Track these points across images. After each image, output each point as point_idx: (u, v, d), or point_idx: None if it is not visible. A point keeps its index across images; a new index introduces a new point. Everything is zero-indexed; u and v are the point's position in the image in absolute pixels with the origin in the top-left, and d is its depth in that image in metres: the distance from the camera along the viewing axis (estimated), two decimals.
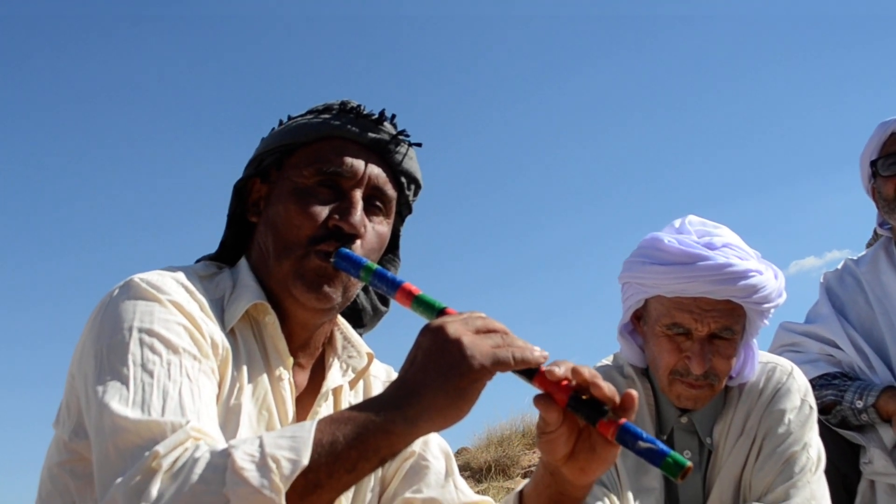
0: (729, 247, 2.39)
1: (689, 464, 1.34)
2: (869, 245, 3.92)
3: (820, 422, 2.70)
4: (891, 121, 3.36)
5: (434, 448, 1.92)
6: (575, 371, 1.42)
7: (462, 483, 1.92)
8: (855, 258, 3.60)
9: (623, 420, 1.39)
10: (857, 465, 3.16)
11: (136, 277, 1.63)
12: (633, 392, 1.41)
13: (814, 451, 2.49)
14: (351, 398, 1.89)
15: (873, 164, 3.39)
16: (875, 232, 3.67)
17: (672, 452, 1.35)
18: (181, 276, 1.69)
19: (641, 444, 1.37)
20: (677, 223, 2.52)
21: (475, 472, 8.08)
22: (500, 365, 1.38)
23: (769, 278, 2.39)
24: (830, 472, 2.61)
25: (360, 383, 1.94)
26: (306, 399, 1.83)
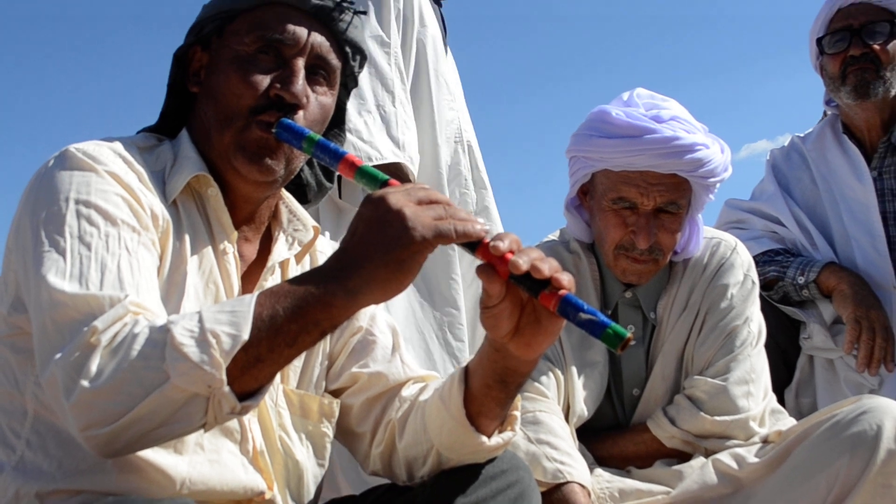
0: (676, 120, 2.38)
1: (628, 334, 1.34)
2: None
3: (762, 297, 2.75)
4: None
5: (381, 323, 1.92)
6: (517, 245, 1.42)
7: (409, 357, 1.93)
8: (802, 135, 3.61)
9: (564, 291, 1.39)
10: (796, 341, 3.24)
11: (72, 147, 1.59)
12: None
13: (755, 325, 2.53)
14: (297, 272, 1.87)
15: (819, 41, 3.38)
16: (825, 111, 3.67)
17: (612, 324, 1.35)
18: (119, 146, 1.64)
19: (582, 315, 1.36)
20: (625, 96, 2.49)
21: None
22: (441, 237, 1.37)
23: (715, 152, 2.39)
24: (771, 348, 2.66)
25: (307, 258, 1.92)
26: (253, 273, 1.81)
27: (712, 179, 2.40)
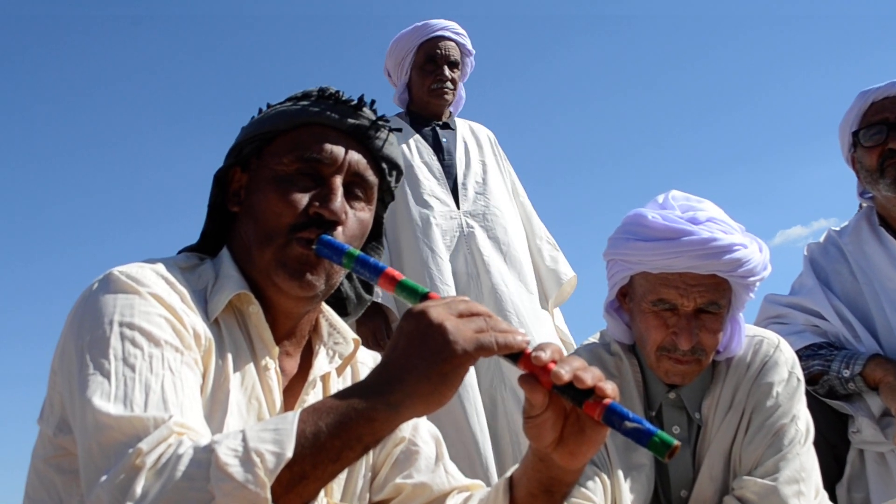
0: (713, 221, 2.38)
1: (676, 443, 1.33)
2: None
3: (808, 393, 2.71)
4: (871, 90, 3.34)
5: (424, 433, 1.92)
6: (559, 354, 1.42)
7: (452, 467, 1.92)
8: (838, 229, 3.59)
9: (609, 400, 1.38)
10: (845, 435, 3.17)
11: (116, 270, 1.62)
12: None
13: (802, 423, 2.49)
14: (339, 385, 1.89)
15: (854, 134, 3.38)
16: (860, 203, 3.67)
17: (659, 432, 1.34)
18: (161, 267, 1.67)
19: (628, 424, 1.36)
20: (660, 198, 2.51)
21: None
22: (483, 350, 1.37)
23: (754, 251, 2.39)
24: (819, 443, 2.61)
25: (348, 370, 1.93)
26: (295, 387, 1.81)
27: (752, 279, 2.40)
